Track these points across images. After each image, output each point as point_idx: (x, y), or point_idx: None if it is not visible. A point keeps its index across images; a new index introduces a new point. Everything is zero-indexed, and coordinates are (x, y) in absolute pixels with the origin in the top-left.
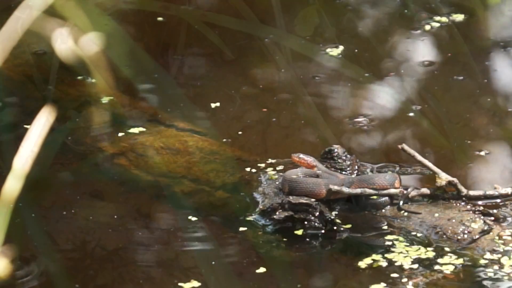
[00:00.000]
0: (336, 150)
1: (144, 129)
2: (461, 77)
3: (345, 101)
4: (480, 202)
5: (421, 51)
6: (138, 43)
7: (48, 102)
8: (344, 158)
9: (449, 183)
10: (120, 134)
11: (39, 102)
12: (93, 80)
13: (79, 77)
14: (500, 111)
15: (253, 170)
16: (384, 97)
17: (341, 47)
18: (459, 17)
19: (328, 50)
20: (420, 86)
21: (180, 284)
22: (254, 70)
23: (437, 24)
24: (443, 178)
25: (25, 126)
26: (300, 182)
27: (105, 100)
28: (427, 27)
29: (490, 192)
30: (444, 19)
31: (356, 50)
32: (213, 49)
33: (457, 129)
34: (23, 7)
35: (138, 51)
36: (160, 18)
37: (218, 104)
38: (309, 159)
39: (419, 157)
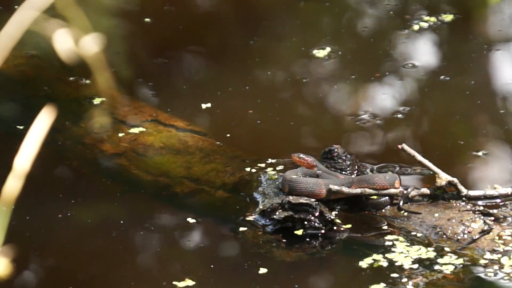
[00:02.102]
0: (336, 150)
1: (144, 129)
2: (448, 78)
3: (332, 102)
4: (480, 202)
5: (408, 51)
6: (129, 44)
7: (48, 102)
8: (344, 158)
9: (449, 183)
10: (120, 134)
11: (39, 102)
12: (87, 81)
13: (71, 78)
14: (490, 112)
15: (253, 170)
16: (372, 98)
17: (328, 49)
18: (448, 18)
19: (315, 51)
20: (407, 87)
21: (174, 282)
22: (241, 72)
23: (426, 24)
24: (443, 178)
25: (25, 126)
26: (300, 182)
27: (97, 101)
28: (416, 27)
29: (490, 192)
30: (433, 19)
31: (343, 52)
32: (199, 50)
33: (449, 130)
34: (23, 8)
35: (132, 52)
36: (147, 19)
37: (209, 105)
38: (309, 159)
39: (419, 157)
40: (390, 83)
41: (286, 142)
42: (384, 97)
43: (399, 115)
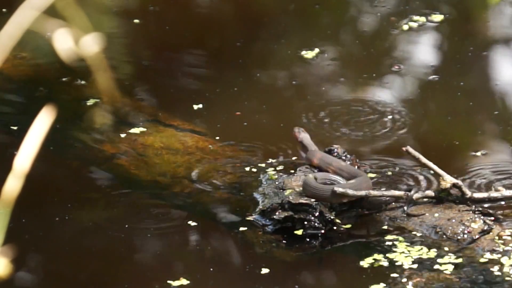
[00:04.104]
0: (336, 150)
1: (144, 129)
2: (437, 78)
3: (322, 103)
4: (485, 205)
5: (397, 52)
6: (118, 46)
7: (47, 102)
8: (344, 158)
9: (454, 185)
10: (120, 134)
11: (39, 102)
12: (83, 82)
13: (70, 78)
14: (483, 113)
15: (253, 170)
16: (362, 99)
17: (316, 50)
18: (437, 18)
19: (303, 53)
20: (395, 88)
21: (169, 281)
22: (229, 73)
23: (415, 24)
24: (448, 180)
25: (25, 126)
26: (320, 188)
27: (94, 101)
28: (405, 27)
29: (494, 194)
30: (422, 19)
31: (331, 53)
32: (187, 51)
33: (442, 131)
34: (23, 7)
35: (121, 53)
36: (136, 20)
37: (200, 105)
38: (300, 135)
39: (423, 159)
40: (380, 84)
41: (279, 143)
42: (374, 98)
43: (390, 116)
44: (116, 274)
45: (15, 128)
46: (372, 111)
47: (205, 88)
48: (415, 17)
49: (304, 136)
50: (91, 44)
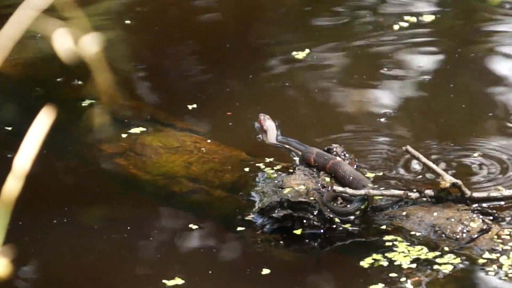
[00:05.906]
0: (334, 149)
1: (143, 129)
2: (428, 79)
3: (315, 105)
4: (484, 205)
5: (387, 53)
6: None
7: (46, 102)
8: (343, 157)
9: (453, 185)
10: (119, 134)
11: (39, 102)
12: (79, 82)
13: (69, 78)
14: (476, 114)
15: (252, 169)
16: (352, 102)
17: (307, 50)
18: (428, 18)
19: (294, 53)
20: (386, 89)
21: (164, 281)
22: (221, 73)
23: (406, 24)
24: (447, 180)
25: (23, 126)
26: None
27: (92, 102)
28: (396, 27)
29: (494, 194)
30: (413, 19)
31: (322, 54)
32: (179, 52)
33: (436, 132)
34: (23, 7)
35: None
36: (128, 21)
37: (195, 105)
38: (265, 122)
39: (423, 159)
40: (370, 85)
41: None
42: (366, 99)
43: (382, 119)
44: (114, 274)
45: (11, 128)
46: (365, 112)
47: (198, 89)
48: (406, 17)
49: (269, 124)
50: (90, 44)
